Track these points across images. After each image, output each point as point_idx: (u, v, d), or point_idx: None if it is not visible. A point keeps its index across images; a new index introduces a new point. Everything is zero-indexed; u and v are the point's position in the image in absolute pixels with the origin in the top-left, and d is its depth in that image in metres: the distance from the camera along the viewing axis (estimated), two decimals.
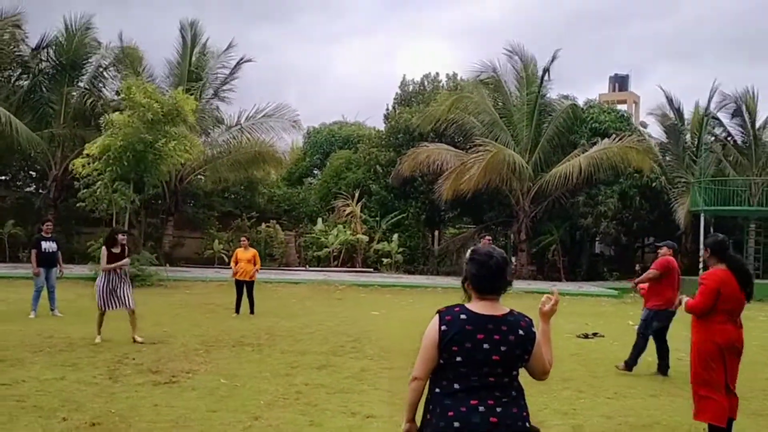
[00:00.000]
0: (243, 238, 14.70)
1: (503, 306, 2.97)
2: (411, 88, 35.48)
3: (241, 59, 29.51)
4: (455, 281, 19.33)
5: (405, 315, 14.87)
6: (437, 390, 2.92)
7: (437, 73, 35.54)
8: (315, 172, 42.97)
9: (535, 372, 3.02)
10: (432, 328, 2.92)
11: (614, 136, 26.40)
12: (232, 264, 14.02)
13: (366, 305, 16.72)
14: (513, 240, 29.13)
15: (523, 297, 20.11)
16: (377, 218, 30.79)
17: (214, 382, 7.35)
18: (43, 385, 6.84)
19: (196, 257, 29.65)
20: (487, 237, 14.02)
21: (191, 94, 21.91)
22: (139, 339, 9.75)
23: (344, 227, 29.32)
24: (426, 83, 34.54)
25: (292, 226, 32.54)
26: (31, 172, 33.12)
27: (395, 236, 28.85)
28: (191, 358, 8.63)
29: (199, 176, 29.66)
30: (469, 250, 3.08)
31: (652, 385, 8.07)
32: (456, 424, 2.78)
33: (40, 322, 11.45)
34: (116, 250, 10.06)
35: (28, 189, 32.87)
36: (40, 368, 7.64)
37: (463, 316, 2.89)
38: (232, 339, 10.34)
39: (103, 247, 10.11)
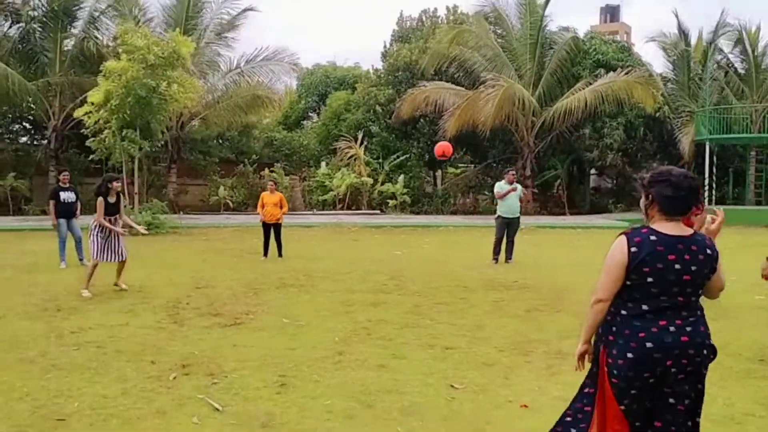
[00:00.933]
0: (270, 182, 14.57)
1: (685, 226, 2.96)
2: (408, 24, 34.74)
3: (246, 8, 28.80)
4: (464, 220, 19.59)
5: (427, 254, 15.01)
6: (623, 312, 2.93)
7: (435, 9, 34.84)
8: (311, 114, 42.58)
9: (713, 290, 3.04)
10: (619, 250, 2.91)
11: (619, 69, 26.21)
12: (259, 208, 13.94)
13: (385, 246, 16.78)
14: (518, 176, 29.12)
15: (536, 232, 20.46)
16: (380, 160, 30.67)
17: (277, 322, 7.40)
18: (112, 331, 6.85)
19: (201, 204, 29.54)
20: (512, 172, 13.90)
21: (189, 36, 21.48)
22: (124, 286, 9.42)
23: (348, 170, 29.22)
24: (424, 18, 33.84)
25: (293, 171, 32.37)
26: (25, 124, 32.58)
27: (401, 177, 28.78)
28: (243, 301, 8.67)
29: (199, 121, 29.25)
30: (649, 174, 3.05)
31: None
32: (648, 345, 2.81)
33: (72, 272, 11.40)
34: (111, 199, 9.40)
35: (23, 140, 32.40)
36: (100, 315, 7.65)
37: (653, 237, 2.88)
38: (272, 281, 10.37)
39: (99, 197, 9.29)
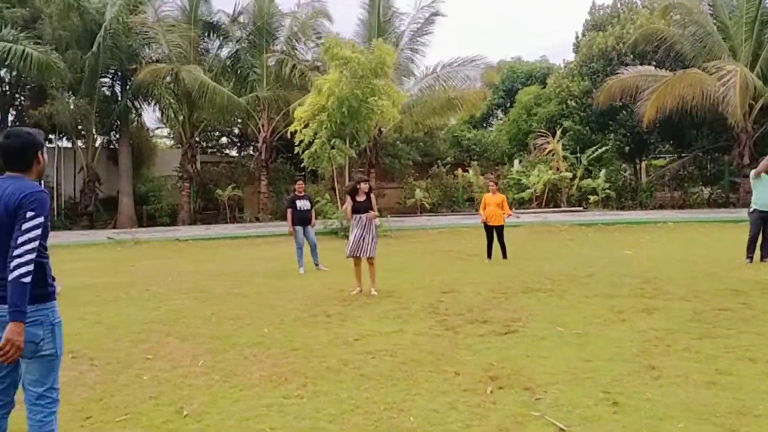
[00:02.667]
0: (492, 183, 14.30)
1: None
2: (602, 12, 33.16)
3: (435, 13, 28.97)
4: (678, 214, 18.08)
5: (662, 252, 13.97)
6: None
7: None
8: (496, 112, 42.06)
9: None
10: None
11: None
12: (481, 209, 13.74)
13: (608, 245, 15.94)
14: (735, 165, 26.71)
15: None
16: (577, 154, 29.54)
17: (552, 330, 7.03)
18: (391, 338, 6.85)
19: (398, 207, 30.07)
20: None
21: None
22: (374, 291, 9.62)
23: (545, 166, 28.38)
24: (620, 5, 32.10)
25: (485, 169, 32.04)
26: (232, 138, 35.06)
27: (602, 172, 27.44)
28: (500, 307, 8.40)
29: (394, 126, 29.76)
30: None
31: None
32: None
33: (315, 276, 11.86)
34: (360, 198, 9.97)
35: (233, 154, 34.92)
36: (370, 322, 7.72)
37: None
38: (515, 285, 10.04)
39: (348, 197, 10.15)
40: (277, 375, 5.60)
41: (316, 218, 13.74)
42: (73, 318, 8.31)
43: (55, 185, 27.14)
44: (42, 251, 3.35)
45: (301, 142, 19.85)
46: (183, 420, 4.62)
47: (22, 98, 28.61)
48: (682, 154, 31.08)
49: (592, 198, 27.60)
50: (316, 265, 12.86)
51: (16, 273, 3.13)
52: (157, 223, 27.64)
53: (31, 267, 3.18)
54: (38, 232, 3.26)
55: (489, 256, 13.52)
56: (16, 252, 3.16)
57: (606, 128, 30.01)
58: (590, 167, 28.96)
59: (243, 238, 20.33)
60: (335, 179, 22.35)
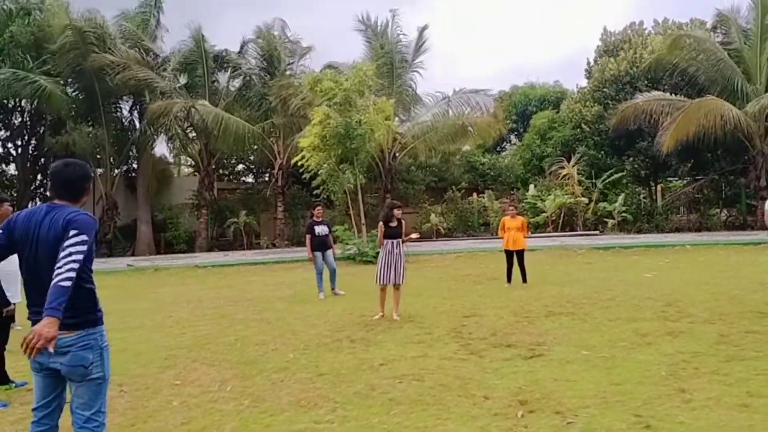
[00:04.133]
0: (511, 207, 14.31)
1: None
2: (613, 38, 33.28)
3: (424, 27, 29.52)
4: (696, 237, 18.02)
5: (682, 276, 13.85)
6: None
7: (642, 21, 33.05)
8: (510, 136, 42.17)
9: None
10: None
11: None
12: (501, 233, 13.74)
13: (627, 268, 15.86)
14: (752, 187, 26.57)
15: None
16: (592, 179, 29.54)
17: (577, 354, 7.02)
18: (418, 363, 6.85)
19: (413, 231, 30.06)
20: None
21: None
22: (396, 316, 9.62)
23: (560, 190, 28.38)
24: (630, 32, 32.19)
25: (499, 194, 32.05)
26: (248, 164, 35.33)
27: (621, 196, 27.38)
28: (525, 331, 8.39)
29: (411, 152, 29.91)
30: None
31: None
32: None
33: (335, 302, 11.87)
34: (393, 224, 10.03)
35: (248, 180, 35.17)
36: (394, 346, 7.73)
37: None
38: (538, 309, 10.02)
39: (380, 223, 10.11)
40: (306, 400, 5.63)
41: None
42: None
43: None
44: (88, 274, 3.41)
45: (310, 170, 20.17)
46: None
47: (42, 128, 29.02)
48: (698, 177, 30.97)
49: (609, 222, 27.52)
50: (333, 289, 12.86)
51: (57, 279, 3.10)
52: (174, 250, 27.82)
53: (72, 274, 3.14)
54: (82, 248, 3.23)
55: (509, 280, 13.48)
56: (58, 264, 3.15)
57: (621, 152, 30.01)
58: (606, 191, 28.92)
59: (261, 264, 20.41)
60: (349, 205, 22.44)
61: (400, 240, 9.95)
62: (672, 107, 25.37)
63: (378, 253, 10.42)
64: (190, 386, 6.22)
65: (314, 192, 22.48)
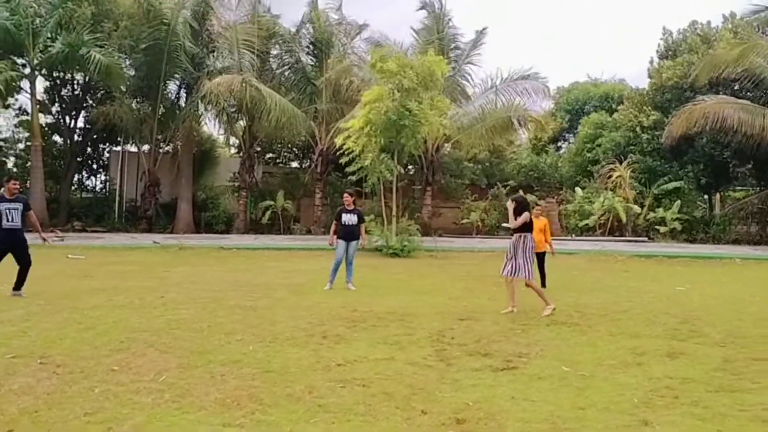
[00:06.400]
0: (537, 206, 13.58)
1: None
2: (674, 38, 31.66)
3: (483, 29, 28.78)
4: (752, 251, 16.76)
5: (718, 291, 12.90)
6: None
7: (709, 21, 31.29)
8: (566, 135, 40.90)
9: None
10: None
11: None
12: None
13: (663, 279, 14.93)
14: None
15: None
16: (645, 184, 28.23)
17: (556, 369, 6.38)
18: (378, 366, 6.34)
19: (454, 227, 29.46)
20: None
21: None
22: (545, 312, 9.50)
23: (611, 194, 27.22)
24: (692, 30, 30.53)
25: (546, 194, 31.03)
26: (294, 149, 35.23)
27: (677, 203, 26.04)
28: (512, 339, 7.77)
29: (453, 144, 29.24)
30: None
31: None
32: None
33: (337, 294, 11.43)
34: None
35: (291, 165, 35.10)
36: (365, 346, 7.24)
37: None
38: (542, 317, 9.37)
39: (525, 213, 9.80)
40: (233, 399, 5.20)
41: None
42: (71, 322, 8.20)
43: (118, 188, 27.83)
44: None
45: (349, 154, 19.56)
46: None
47: (92, 101, 29.53)
48: (765, 187, 29.21)
49: (661, 229, 26.25)
50: (347, 282, 12.36)
51: None
52: (213, 230, 27.92)
53: None
54: None
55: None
56: None
57: (682, 156, 28.51)
58: (660, 197, 27.60)
59: (287, 250, 20.17)
60: (384, 195, 21.89)
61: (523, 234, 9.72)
62: (743, 111, 23.88)
63: None
64: (126, 373, 5.87)
65: (348, 179, 22.03)
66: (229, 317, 8.78)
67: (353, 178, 20.96)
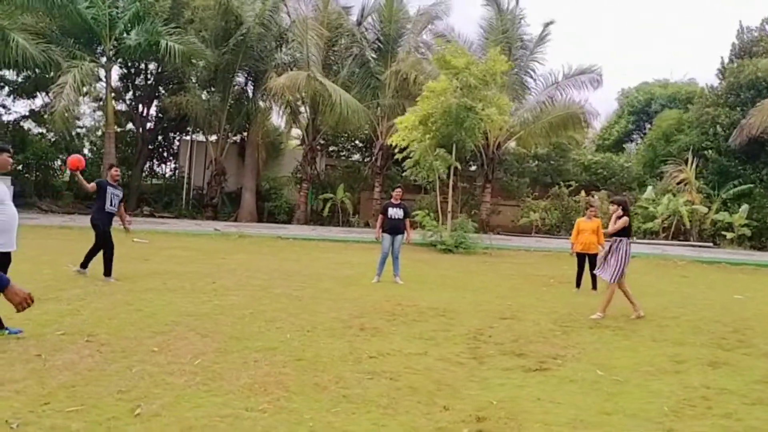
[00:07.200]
0: (591, 207, 13.36)
1: None
2: (750, 36, 30.43)
3: (548, 23, 28.32)
4: None
5: None
6: None
7: None
8: (634, 136, 39.89)
9: None
10: None
11: None
12: (573, 235, 12.85)
13: (722, 286, 14.45)
14: None
15: None
16: (714, 186, 27.27)
17: (590, 373, 6.30)
18: (409, 360, 6.41)
19: (513, 225, 29.17)
20: None
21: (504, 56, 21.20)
22: (634, 315, 9.48)
23: (675, 196, 26.42)
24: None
25: (613, 195, 30.30)
26: (357, 142, 35.50)
27: (744, 207, 25.09)
28: (551, 341, 7.71)
29: (516, 141, 28.94)
30: None
31: None
32: None
33: (384, 288, 11.53)
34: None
35: (353, 158, 35.35)
36: (400, 340, 7.32)
37: None
38: (586, 319, 9.25)
39: (625, 218, 9.64)
40: (261, 384, 5.36)
41: (413, 228, 13.19)
42: (121, 303, 8.55)
43: (186, 176, 28.68)
44: None
45: (404, 149, 19.66)
46: (130, 419, 4.47)
47: (165, 91, 30.48)
48: None
49: (728, 235, 25.34)
50: (395, 276, 12.48)
51: None
52: (276, 220, 28.47)
53: None
54: None
55: (578, 285, 12.66)
56: None
57: (757, 159, 27.42)
58: (729, 201, 26.64)
59: (342, 242, 20.40)
60: (437, 191, 21.79)
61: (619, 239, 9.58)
62: None
63: None
64: (164, 354, 6.12)
65: (403, 173, 22.08)
66: (272, 305, 8.99)
67: (408, 173, 20.96)
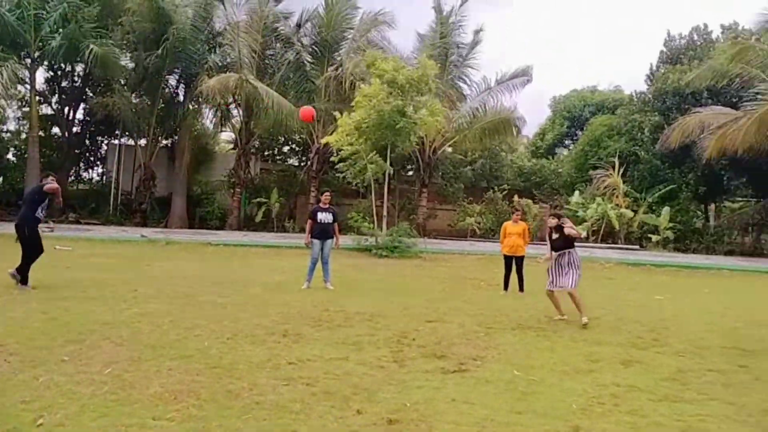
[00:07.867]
0: (516, 211, 13.60)
1: None
2: (677, 43, 31.66)
3: (478, 30, 28.93)
4: (743, 263, 16.68)
5: (695, 301, 12.93)
6: None
7: (706, 25, 31.34)
8: (566, 142, 40.88)
9: None
10: None
11: None
12: (501, 238, 13.05)
13: (644, 288, 14.91)
14: None
15: None
16: (642, 190, 28.16)
17: (507, 373, 6.40)
18: (329, 365, 6.37)
19: (449, 229, 29.45)
20: None
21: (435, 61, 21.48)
22: (557, 317, 9.72)
23: (603, 200, 27.19)
24: (696, 37, 30.56)
25: (544, 199, 31.00)
26: (293, 146, 35.25)
27: (665, 210, 26.00)
28: (473, 342, 7.79)
29: (448, 147, 29.27)
30: None
31: None
32: None
33: (312, 294, 11.42)
34: (554, 236, 9.89)
35: (289, 162, 35.11)
36: (323, 345, 7.26)
37: None
38: (510, 321, 9.41)
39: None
40: (171, 393, 5.23)
41: (341, 232, 13.12)
42: (36, 311, 8.26)
43: (113, 180, 27.92)
44: None
45: (339, 152, 19.73)
46: (32, 429, 4.34)
47: (92, 93, 29.61)
48: (761, 199, 29.09)
49: (653, 237, 26.19)
50: (325, 282, 12.37)
51: None
52: (207, 225, 27.96)
53: None
54: None
55: (505, 287, 12.86)
56: None
57: (681, 163, 28.40)
58: (655, 205, 27.53)
59: (274, 248, 20.20)
60: (373, 195, 21.86)
61: (566, 251, 9.76)
62: (735, 121, 23.82)
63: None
64: (74, 364, 5.91)
65: (339, 175, 22.04)
66: (194, 312, 8.81)
67: (344, 175, 20.97)
